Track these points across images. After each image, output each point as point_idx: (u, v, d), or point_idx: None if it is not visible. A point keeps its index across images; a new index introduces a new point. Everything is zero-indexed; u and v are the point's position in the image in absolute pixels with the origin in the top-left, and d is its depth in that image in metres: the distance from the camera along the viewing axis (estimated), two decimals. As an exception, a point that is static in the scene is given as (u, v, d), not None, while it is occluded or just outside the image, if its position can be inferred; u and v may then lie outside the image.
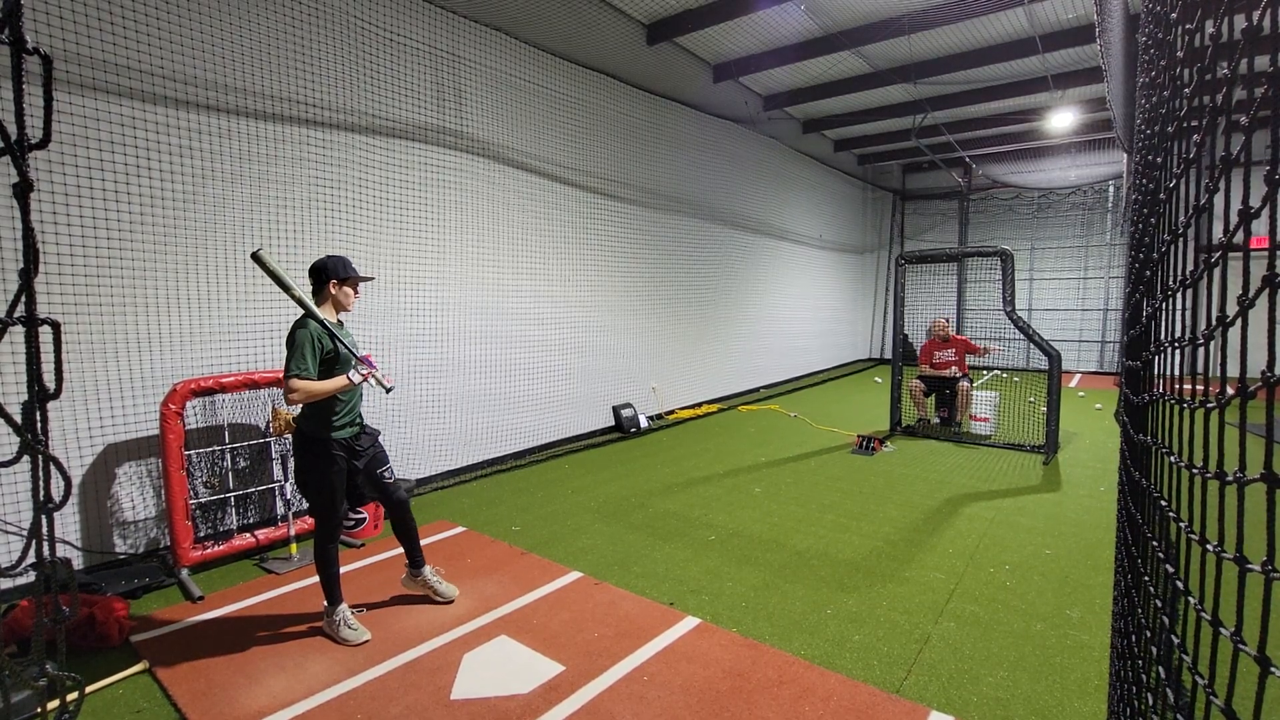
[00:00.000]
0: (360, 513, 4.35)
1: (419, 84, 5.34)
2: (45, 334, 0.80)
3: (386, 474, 3.28)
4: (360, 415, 3.20)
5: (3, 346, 3.36)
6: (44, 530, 0.81)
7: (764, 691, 2.67)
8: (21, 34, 0.72)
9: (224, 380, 3.88)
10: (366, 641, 3.03)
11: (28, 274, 0.75)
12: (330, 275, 3.05)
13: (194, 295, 4.09)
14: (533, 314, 6.55)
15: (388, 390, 3.08)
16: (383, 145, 5.12)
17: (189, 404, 3.87)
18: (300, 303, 2.95)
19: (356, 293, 3.17)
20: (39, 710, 0.90)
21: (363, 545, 4.26)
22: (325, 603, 3.11)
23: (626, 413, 7.68)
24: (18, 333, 0.79)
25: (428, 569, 3.43)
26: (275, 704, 2.61)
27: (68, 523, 3.67)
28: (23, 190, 0.75)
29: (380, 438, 3.33)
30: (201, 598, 3.52)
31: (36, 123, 0.68)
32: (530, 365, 6.55)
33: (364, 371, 3.02)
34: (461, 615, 3.32)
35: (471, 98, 5.78)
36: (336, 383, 2.94)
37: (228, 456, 4.13)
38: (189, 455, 3.86)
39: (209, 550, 3.83)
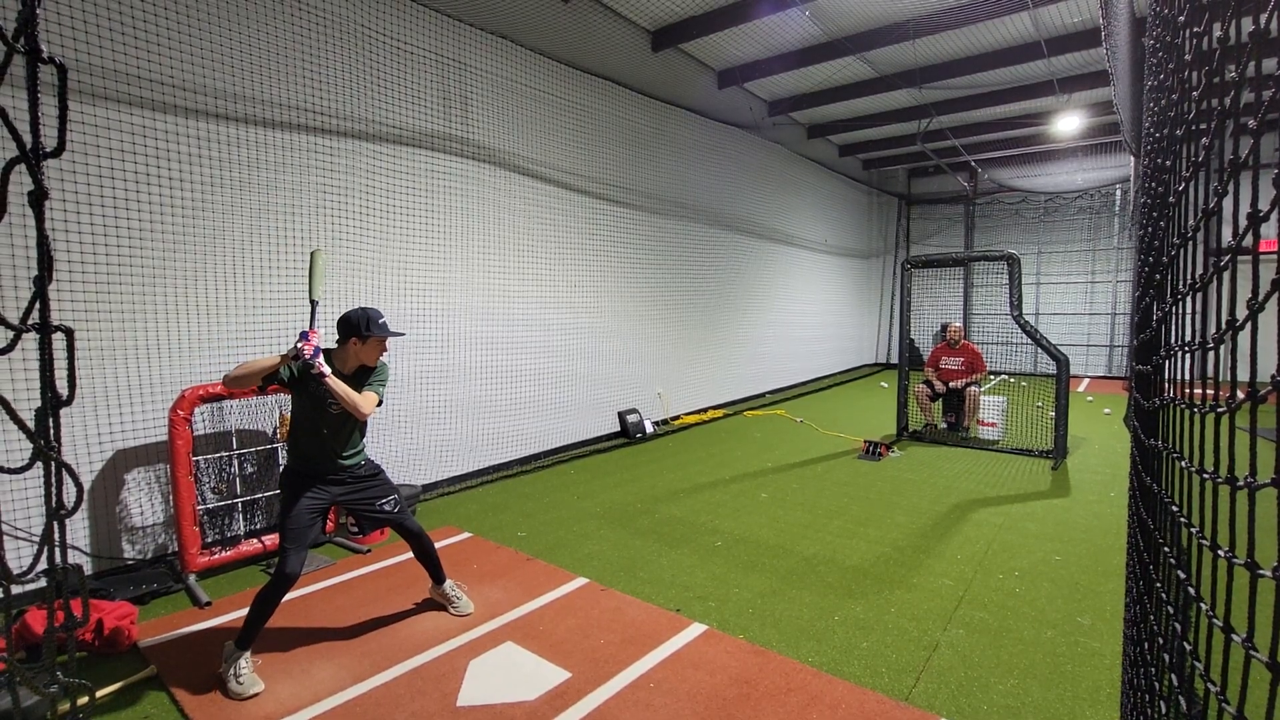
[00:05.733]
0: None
1: (425, 91, 5.37)
2: (58, 340, 0.81)
3: (387, 505, 3.20)
4: (341, 449, 3.04)
5: (15, 353, 3.39)
6: (56, 537, 0.82)
7: (771, 699, 2.65)
8: (37, 43, 0.73)
9: (232, 386, 3.90)
10: (255, 694, 2.73)
11: (42, 281, 0.76)
12: (351, 333, 2.99)
13: (202, 302, 4.12)
14: (538, 320, 6.57)
15: (310, 363, 2.79)
16: (389, 152, 5.15)
17: (197, 410, 3.90)
18: (313, 306, 2.97)
19: (384, 349, 3.09)
20: (49, 716, 0.91)
21: (369, 551, 4.26)
22: (232, 640, 2.85)
23: (632, 418, 7.67)
24: (30, 338, 0.79)
25: (448, 583, 3.44)
26: (282, 710, 2.61)
27: (77, 528, 3.69)
28: (38, 198, 0.75)
29: (382, 472, 3.25)
30: (209, 603, 3.53)
31: (50, 131, 0.68)
32: (535, 371, 6.56)
33: (297, 350, 2.79)
34: (467, 622, 3.31)
35: (477, 104, 5.81)
36: (269, 360, 2.80)
37: (235, 462, 4.15)
38: (197, 461, 3.88)
39: (216, 556, 3.84)
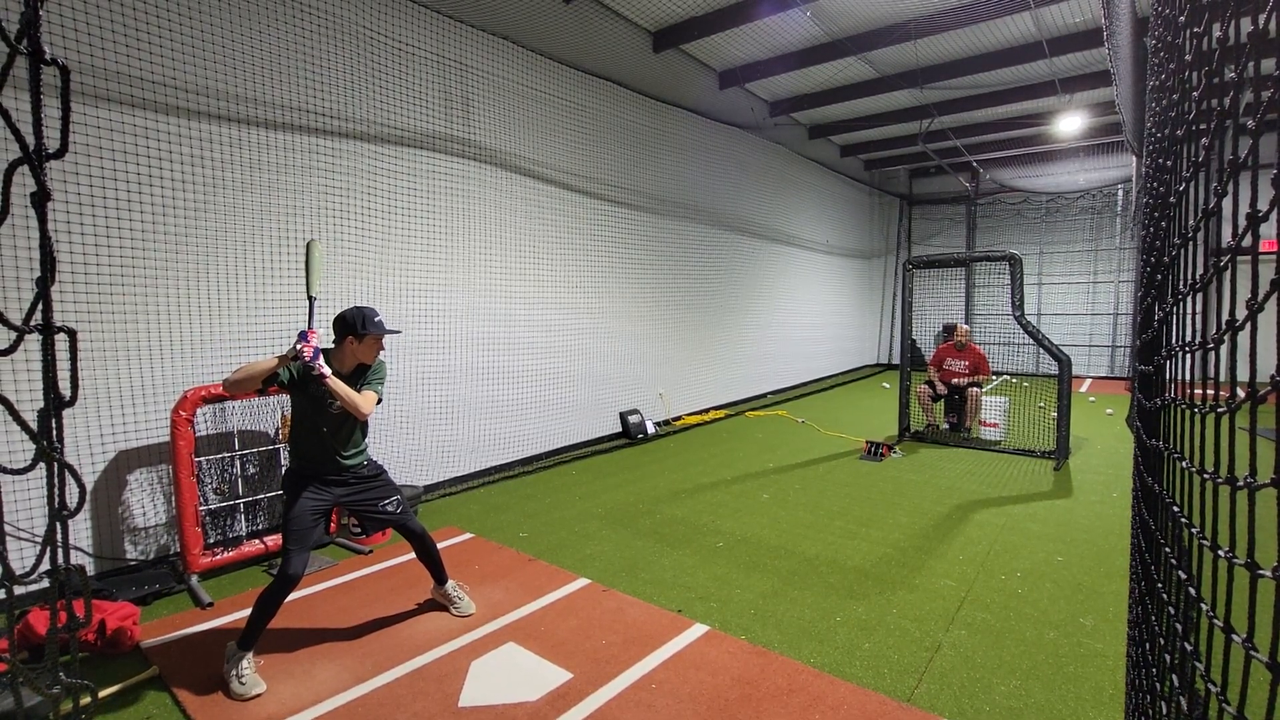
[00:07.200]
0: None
1: (427, 92, 5.38)
2: (60, 341, 0.81)
3: (390, 506, 3.20)
4: (342, 449, 3.04)
5: (18, 354, 3.40)
6: (58, 537, 0.82)
7: (773, 700, 2.65)
8: (40, 45, 0.74)
9: (234, 387, 3.91)
10: (258, 695, 2.73)
11: (45, 282, 0.76)
12: (348, 332, 2.98)
13: (204, 303, 4.12)
14: (539, 320, 6.57)
15: (310, 365, 2.78)
16: (391, 153, 5.16)
17: (199, 411, 3.91)
18: (310, 303, 2.96)
19: (381, 347, 3.09)
20: (52, 716, 0.91)
21: (370, 551, 4.27)
22: (235, 641, 2.86)
23: (633, 419, 7.67)
24: (33, 339, 0.80)
25: (450, 584, 3.45)
26: (284, 710, 2.62)
27: (79, 529, 3.70)
28: (41, 199, 0.76)
29: (384, 472, 3.26)
30: (211, 604, 3.54)
31: (53, 133, 0.69)
32: (537, 371, 6.57)
33: (296, 351, 2.78)
34: (469, 622, 3.32)
35: (479, 106, 5.82)
36: (268, 362, 2.79)
37: (237, 463, 4.16)
38: (199, 462, 3.89)
39: (218, 556, 3.85)
